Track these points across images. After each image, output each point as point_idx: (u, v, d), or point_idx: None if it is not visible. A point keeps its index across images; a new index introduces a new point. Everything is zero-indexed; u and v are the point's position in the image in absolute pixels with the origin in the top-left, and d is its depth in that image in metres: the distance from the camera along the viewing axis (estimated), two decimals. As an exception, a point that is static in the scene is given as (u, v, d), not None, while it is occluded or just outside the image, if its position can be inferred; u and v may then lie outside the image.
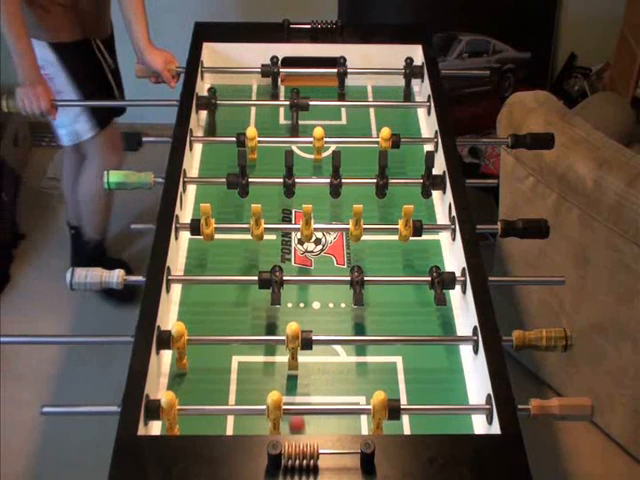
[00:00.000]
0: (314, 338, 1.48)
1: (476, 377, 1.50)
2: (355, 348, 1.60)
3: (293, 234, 1.83)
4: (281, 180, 1.83)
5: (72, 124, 2.56)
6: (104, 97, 2.61)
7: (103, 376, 2.63)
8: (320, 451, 1.25)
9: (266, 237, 1.75)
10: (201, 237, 1.72)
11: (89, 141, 2.63)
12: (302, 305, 1.68)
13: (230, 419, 1.45)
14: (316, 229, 1.73)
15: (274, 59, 2.18)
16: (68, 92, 2.48)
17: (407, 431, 1.43)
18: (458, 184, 1.79)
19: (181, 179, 1.81)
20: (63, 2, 2.38)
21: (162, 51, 2.32)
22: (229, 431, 1.43)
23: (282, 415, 1.35)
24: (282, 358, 1.53)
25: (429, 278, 1.62)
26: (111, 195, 2.77)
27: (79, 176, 2.80)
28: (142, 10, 2.34)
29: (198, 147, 2.06)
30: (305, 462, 1.25)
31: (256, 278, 1.60)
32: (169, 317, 1.62)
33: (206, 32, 2.28)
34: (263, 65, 2.18)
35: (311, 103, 2.09)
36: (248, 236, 1.74)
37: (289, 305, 1.67)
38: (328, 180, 1.84)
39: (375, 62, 2.25)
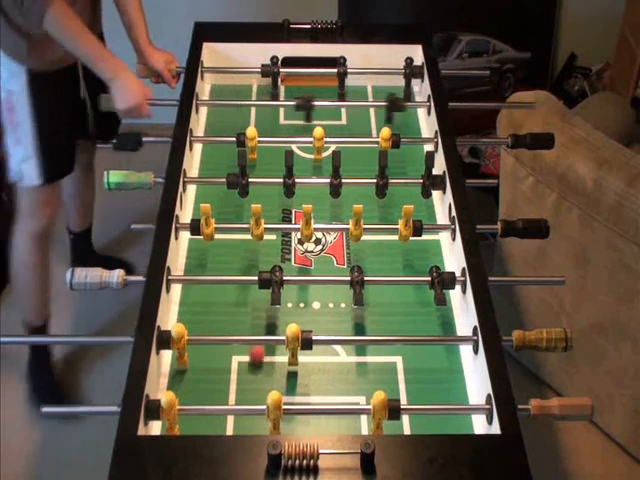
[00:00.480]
0: (314, 338, 1.48)
1: (476, 377, 1.50)
2: (355, 348, 1.60)
3: (293, 234, 1.83)
4: (281, 180, 1.83)
5: (20, 163, 2.27)
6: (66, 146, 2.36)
7: (103, 376, 2.64)
8: (320, 451, 1.25)
9: (266, 237, 1.75)
10: (201, 237, 1.72)
11: (26, 192, 2.35)
12: (302, 305, 1.68)
13: (230, 419, 1.45)
14: (316, 229, 1.73)
15: (274, 59, 2.18)
16: (25, 128, 2.23)
17: (407, 431, 1.43)
18: (458, 184, 1.79)
19: (181, 179, 1.81)
20: None
21: (163, 51, 2.30)
22: (229, 431, 1.43)
23: (282, 415, 1.35)
24: (282, 358, 1.53)
25: (429, 278, 1.62)
26: (45, 268, 2.49)
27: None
28: (140, 10, 2.29)
29: (198, 147, 2.06)
30: (305, 462, 1.25)
31: (256, 278, 1.60)
32: (169, 317, 1.62)
33: (206, 32, 2.28)
34: (263, 65, 2.18)
35: (314, 103, 2.09)
36: (248, 236, 1.74)
37: (289, 305, 1.67)
38: (328, 180, 1.84)
39: (375, 62, 2.25)
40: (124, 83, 2.11)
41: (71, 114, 2.34)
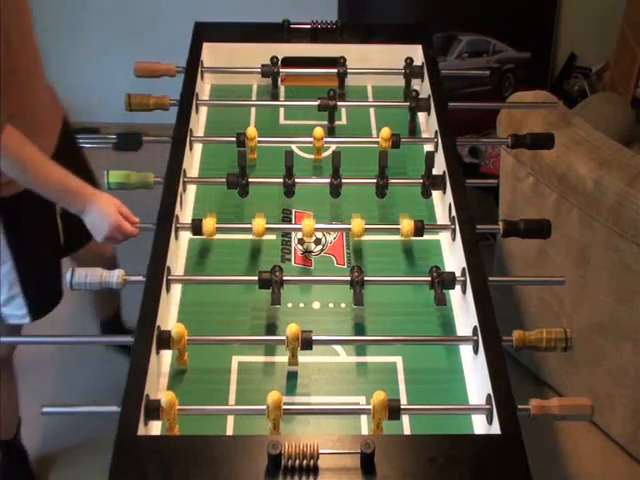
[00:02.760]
0: (314, 338, 1.48)
1: (476, 377, 1.50)
2: (355, 348, 1.60)
3: (293, 234, 1.83)
4: (281, 180, 1.83)
5: (2, 305, 2.03)
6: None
7: (103, 376, 2.63)
8: (320, 451, 1.25)
9: (266, 237, 1.75)
10: (201, 237, 1.73)
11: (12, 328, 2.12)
12: (302, 305, 1.68)
13: (230, 419, 1.45)
14: (316, 229, 1.73)
15: (274, 59, 2.18)
16: (6, 272, 1.97)
17: (407, 431, 1.43)
18: (458, 184, 1.79)
19: (181, 179, 1.81)
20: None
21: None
22: (229, 431, 1.43)
23: (282, 415, 1.35)
24: (282, 358, 1.53)
25: (429, 278, 1.62)
26: (9, 393, 2.30)
27: None
28: None
29: (198, 147, 2.06)
30: (305, 462, 1.25)
31: (256, 278, 1.61)
32: (169, 317, 1.62)
33: (206, 32, 2.28)
34: (263, 65, 2.18)
35: (311, 103, 2.09)
36: (248, 236, 1.74)
37: (289, 305, 1.67)
38: (328, 180, 1.84)
39: (375, 62, 2.25)
40: (95, 214, 1.84)
41: (52, 235, 2.08)
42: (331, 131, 2.09)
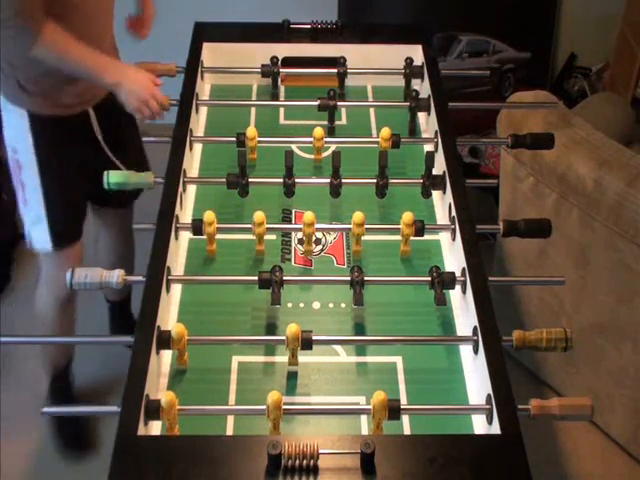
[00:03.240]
0: (314, 338, 1.48)
1: (476, 377, 1.50)
2: (355, 348, 1.60)
3: (293, 234, 1.83)
4: (281, 180, 1.83)
5: (30, 226, 2.18)
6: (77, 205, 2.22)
7: (103, 376, 2.64)
8: (320, 451, 1.25)
9: (266, 237, 1.75)
10: (202, 237, 1.73)
11: (43, 257, 2.25)
12: (302, 305, 1.68)
13: (230, 419, 1.45)
14: (316, 229, 1.73)
15: (274, 59, 2.18)
16: (32, 188, 2.11)
17: (407, 431, 1.43)
18: (458, 184, 1.79)
19: (181, 179, 1.81)
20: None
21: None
22: (229, 431, 1.43)
23: (282, 415, 1.35)
24: (282, 358, 1.53)
25: (429, 278, 1.62)
26: (67, 329, 2.36)
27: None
28: None
29: (198, 147, 2.06)
30: (305, 462, 1.25)
31: (256, 278, 1.60)
32: (169, 317, 1.62)
33: (206, 32, 2.28)
34: (263, 65, 2.18)
35: (311, 103, 2.09)
36: (248, 236, 1.74)
37: (289, 305, 1.67)
38: (328, 180, 1.84)
39: (375, 62, 2.25)
40: (127, 88, 1.97)
41: (84, 170, 2.16)
42: (331, 131, 2.09)
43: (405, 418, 1.44)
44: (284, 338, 1.48)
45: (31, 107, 2.05)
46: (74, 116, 2.10)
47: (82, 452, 2.46)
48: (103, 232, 2.52)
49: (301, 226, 1.72)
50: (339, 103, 2.10)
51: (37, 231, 2.17)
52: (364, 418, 1.45)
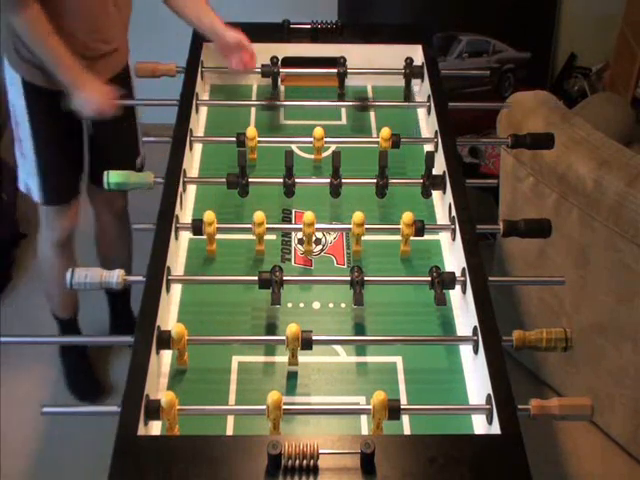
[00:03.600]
0: (314, 338, 1.48)
1: (476, 377, 1.50)
2: (355, 348, 1.60)
3: (293, 234, 1.83)
4: (281, 180, 1.83)
5: (27, 177, 2.33)
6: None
7: (103, 376, 2.64)
8: (320, 451, 1.25)
9: (266, 237, 1.75)
10: (202, 237, 1.73)
11: (44, 211, 2.40)
12: (302, 305, 1.68)
13: (230, 419, 1.45)
14: (316, 229, 1.73)
15: (274, 59, 2.18)
16: (27, 144, 2.25)
17: (407, 431, 1.43)
18: (458, 184, 1.79)
19: (181, 179, 1.81)
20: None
21: (237, 31, 2.20)
22: (229, 431, 1.43)
23: (282, 415, 1.35)
24: (282, 358, 1.53)
25: (429, 278, 1.62)
26: (67, 262, 2.43)
27: None
28: (205, 2, 2.23)
29: (198, 147, 2.06)
30: (305, 462, 1.25)
31: (256, 278, 1.60)
32: (169, 317, 1.62)
33: (206, 32, 2.28)
34: (263, 65, 2.18)
35: (311, 103, 2.09)
36: (248, 236, 1.74)
37: (289, 305, 1.67)
38: (328, 180, 1.84)
39: (375, 62, 2.25)
40: (85, 95, 2.09)
41: (71, 140, 2.32)
42: (341, 97, 2.15)
43: (405, 418, 1.44)
44: (284, 338, 1.48)
45: (25, 75, 2.15)
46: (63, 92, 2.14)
47: (96, 398, 2.60)
48: (98, 217, 2.61)
49: (301, 226, 1.72)
50: (339, 103, 2.10)
51: (31, 183, 2.32)
52: (364, 418, 1.45)
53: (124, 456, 1.28)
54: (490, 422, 1.38)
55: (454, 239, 1.73)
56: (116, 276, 1.57)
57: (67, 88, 2.09)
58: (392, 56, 2.23)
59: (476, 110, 2.89)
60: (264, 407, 1.35)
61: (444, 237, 1.82)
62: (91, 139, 2.38)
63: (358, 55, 2.24)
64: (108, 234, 2.64)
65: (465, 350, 1.57)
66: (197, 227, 1.72)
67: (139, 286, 1.56)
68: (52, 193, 2.34)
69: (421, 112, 2.18)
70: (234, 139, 1.95)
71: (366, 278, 1.61)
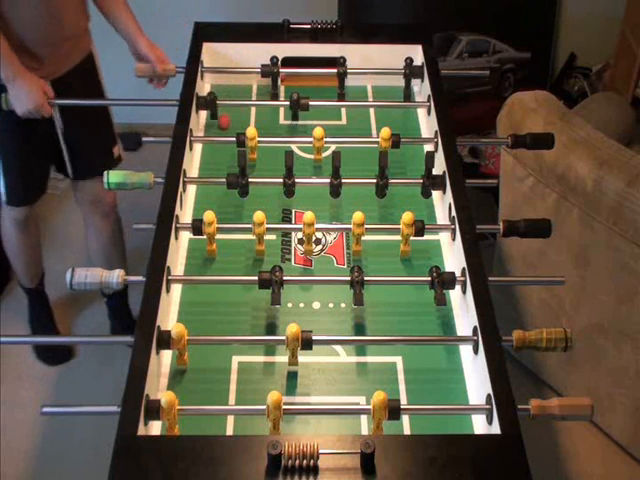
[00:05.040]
0: (314, 338, 1.48)
1: (476, 377, 1.50)
2: (355, 348, 1.60)
3: (293, 234, 1.83)
4: (281, 180, 1.83)
5: None
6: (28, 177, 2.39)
7: (103, 376, 2.64)
8: (320, 451, 1.25)
9: (266, 237, 1.75)
10: (202, 237, 1.73)
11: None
12: (302, 305, 1.68)
13: (230, 419, 1.45)
14: (316, 229, 1.73)
15: (274, 59, 2.18)
16: None
17: (407, 431, 1.43)
18: (458, 184, 1.79)
19: (181, 179, 1.81)
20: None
21: (154, 45, 2.29)
22: (229, 431, 1.43)
23: (282, 415, 1.35)
24: (282, 358, 1.53)
25: (429, 278, 1.62)
26: (30, 245, 2.62)
27: None
28: (127, 9, 2.26)
29: (198, 147, 2.06)
30: (305, 462, 1.25)
31: (256, 278, 1.60)
32: (169, 317, 1.62)
33: (206, 32, 2.28)
34: (263, 65, 2.18)
35: (311, 103, 2.09)
36: (248, 236, 1.74)
37: (289, 305, 1.67)
38: (328, 180, 1.84)
39: (375, 62, 2.25)
40: (21, 87, 2.10)
41: (43, 139, 2.31)
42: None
43: (405, 418, 1.44)
44: (284, 338, 1.48)
45: None
46: None
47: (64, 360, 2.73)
48: (86, 219, 2.64)
49: (301, 226, 1.72)
50: (339, 103, 2.09)
51: None
52: (364, 418, 1.45)
53: (124, 456, 1.28)
54: (490, 422, 1.37)
55: (454, 239, 1.73)
56: (116, 276, 1.57)
57: (3, 80, 2.11)
58: (392, 56, 2.23)
59: (476, 110, 2.89)
60: (264, 407, 1.35)
61: (444, 237, 1.82)
62: (64, 134, 2.35)
63: (358, 55, 2.24)
64: (98, 238, 2.62)
65: (465, 350, 1.57)
66: (197, 227, 1.72)
67: (139, 286, 1.56)
68: (16, 195, 2.39)
69: (421, 112, 2.18)
70: (234, 139, 1.95)
71: (366, 278, 1.61)
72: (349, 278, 1.61)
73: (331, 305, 1.68)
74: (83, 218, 2.64)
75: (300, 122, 2.12)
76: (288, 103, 2.08)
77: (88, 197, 2.55)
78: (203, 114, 2.16)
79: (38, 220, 2.64)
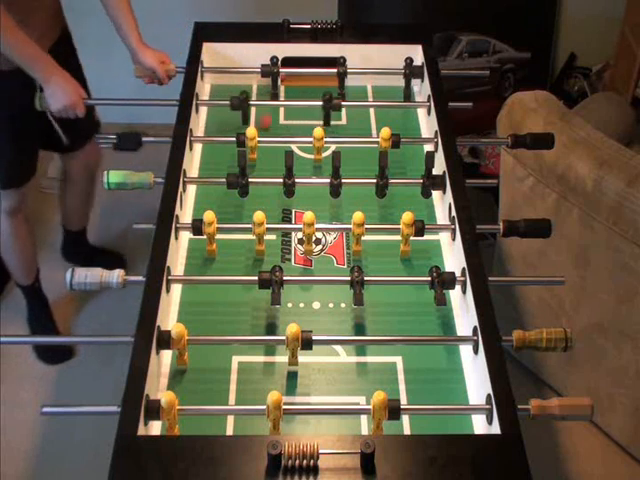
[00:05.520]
0: (314, 338, 1.48)
1: (476, 377, 1.50)
2: (355, 348, 1.60)
3: (293, 234, 1.83)
4: (281, 180, 1.83)
5: None
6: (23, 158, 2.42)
7: (103, 376, 2.64)
8: (320, 451, 1.25)
9: (266, 237, 1.75)
10: (202, 237, 1.73)
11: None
12: (302, 305, 1.68)
13: (230, 419, 1.45)
14: (316, 229, 1.73)
15: (274, 59, 2.18)
16: None
17: (407, 431, 1.43)
18: (458, 184, 1.79)
19: (181, 179, 1.81)
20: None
21: (155, 51, 2.31)
22: (229, 431, 1.43)
23: (282, 415, 1.35)
24: (282, 358, 1.53)
25: (429, 278, 1.62)
26: (24, 238, 2.63)
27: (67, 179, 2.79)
28: (129, 12, 2.28)
29: (198, 147, 2.06)
30: (305, 462, 1.25)
31: (256, 278, 1.60)
32: (169, 317, 1.62)
33: (206, 32, 2.28)
34: (263, 65, 2.18)
35: (311, 103, 2.09)
36: (248, 236, 1.74)
37: (289, 305, 1.67)
38: (328, 180, 1.84)
39: (375, 62, 2.25)
40: (57, 84, 2.12)
41: (34, 121, 2.32)
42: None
43: (405, 418, 1.44)
44: (284, 338, 1.48)
45: None
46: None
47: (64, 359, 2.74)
48: (71, 175, 2.72)
49: (301, 226, 1.72)
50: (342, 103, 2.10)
51: None
52: (364, 418, 1.45)
53: (124, 456, 1.28)
54: (490, 422, 1.38)
55: (454, 239, 1.73)
56: (116, 276, 1.57)
57: (39, 79, 2.12)
58: (392, 56, 2.23)
59: (476, 110, 2.89)
60: (264, 407, 1.35)
61: (444, 237, 1.82)
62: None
63: (358, 55, 2.24)
64: (77, 185, 2.76)
65: (465, 350, 1.57)
66: (197, 227, 1.72)
67: (139, 286, 1.56)
68: (10, 178, 2.41)
69: (421, 112, 2.18)
70: (234, 139, 1.95)
71: (366, 278, 1.61)
72: (349, 278, 1.61)
73: (331, 305, 1.68)
74: (66, 178, 2.72)
75: (300, 122, 2.12)
76: (321, 103, 2.07)
77: (80, 164, 2.63)
78: (203, 114, 2.16)
79: (29, 214, 2.64)
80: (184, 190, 1.85)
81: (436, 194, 1.90)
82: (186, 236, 1.79)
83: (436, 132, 1.97)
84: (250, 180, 1.83)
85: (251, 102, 2.21)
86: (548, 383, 2.63)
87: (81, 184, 2.76)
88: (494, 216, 2.68)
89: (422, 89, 2.22)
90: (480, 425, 1.44)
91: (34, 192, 2.63)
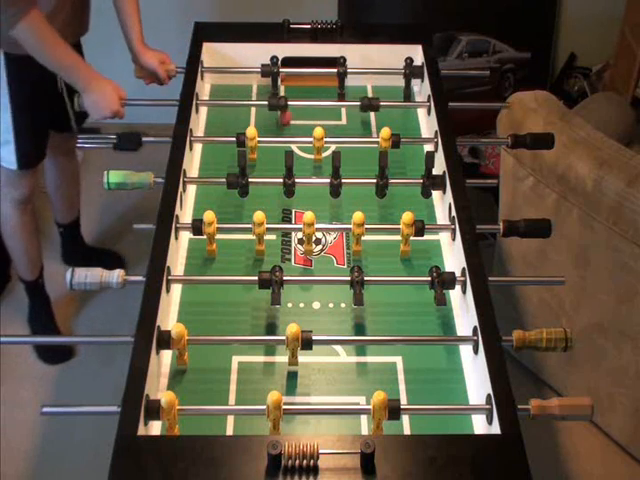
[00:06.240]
0: (314, 338, 1.48)
1: (476, 377, 1.50)
2: (355, 348, 1.60)
3: (293, 234, 1.83)
4: (281, 180, 1.83)
5: (0, 146, 2.38)
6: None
7: (103, 376, 2.64)
8: (320, 451, 1.25)
9: (266, 237, 1.75)
10: (202, 237, 1.73)
11: (4, 169, 2.45)
12: (302, 305, 1.68)
13: (230, 419, 1.45)
14: (316, 229, 1.73)
15: (274, 59, 2.18)
16: (4, 117, 2.32)
17: (407, 431, 1.43)
18: (458, 184, 1.79)
19: (181, 179, 1.81)
20: (44, 11, 2.09)
21: (156, 51, 2.31)
22: (229, 431, 1.43)
23: (282, 415, 1.35)
24: (282, 358, 1.53)
25: (429, 278, 1.62)
26: (30, 230, 2.62)
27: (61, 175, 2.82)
28: (136, 10, 2.29)
29: (198, 147, 2.06)
30: (305, 462, 1.25)
31: (256, 278, 1.60)
32: (169, 317, 1.62)
33: (206, 32, 2.28)
34: (263, 65, 2.18)
35: (311, 103, 2.09)
36: (248, 236, 1.74)
37: (289, 305, 1.67)
38: (328, 180, 1.84)
39: (375, 62, 2.25)
40: (97, 94, 2.16)
41: (49, 102, 2.38)
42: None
43: (405, 418, 1.44)
44: (284, 338, 1.48)
45: (7, 48, 2.18)
46: None
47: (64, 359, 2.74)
48: (50, 156, 2.68)
49: (301, 226, 1.72)
50: (339, 103, 2.09)
51: (6, 151, 2.37)
52: (364, 418, 1.45)
53: (124, 456, 1.28)
54: (490, 422, 1.38)
55: (454, 239, 1.73)
56: (116, 276, 1.57)
57: (79, 89, 2.16)
58: (392, 56, 2.23)
59: (476, 110, 2.89)
60: (264, 407, 1.35)
61: (444, 237, 1.82)
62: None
63: (358, 55, 2.24)
64: (65, 172, 2.80)
65: (465, 350, 1.57)
66: (197, 227, 1.72)
67: (139, 286, 1.56)
68: (28, 158, 2.42)
69: (421, 112, 2.18)
70: (234, 139, 1.95)
71: (366, 278, 1.61)
72: (349, 278, 1.61)
73: (331, 305, 1.68)
74: (51, 162, 2.72)
75: (300, 122, 2.12)
76: (359, 104, 2.08)
77: (66, 145, 2.65)
78: (203, 114, 2.16)
79: (35, 208, 2.65)
80: (184, 190, 1.85)
81: (436, 194, 1.90)
82: (186, 236, 1.79)
83: (436, 132, 1.97)
84: (250, 180, 1.83)
85: (251, 102, 2.22)
86: (548, 383, 2.63)
87: (62, 167, 2.79)
88: (494, 216, 2.68)
89: (422, 89, 2.22)
90: (480, 425, 1.44)
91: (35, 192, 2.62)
